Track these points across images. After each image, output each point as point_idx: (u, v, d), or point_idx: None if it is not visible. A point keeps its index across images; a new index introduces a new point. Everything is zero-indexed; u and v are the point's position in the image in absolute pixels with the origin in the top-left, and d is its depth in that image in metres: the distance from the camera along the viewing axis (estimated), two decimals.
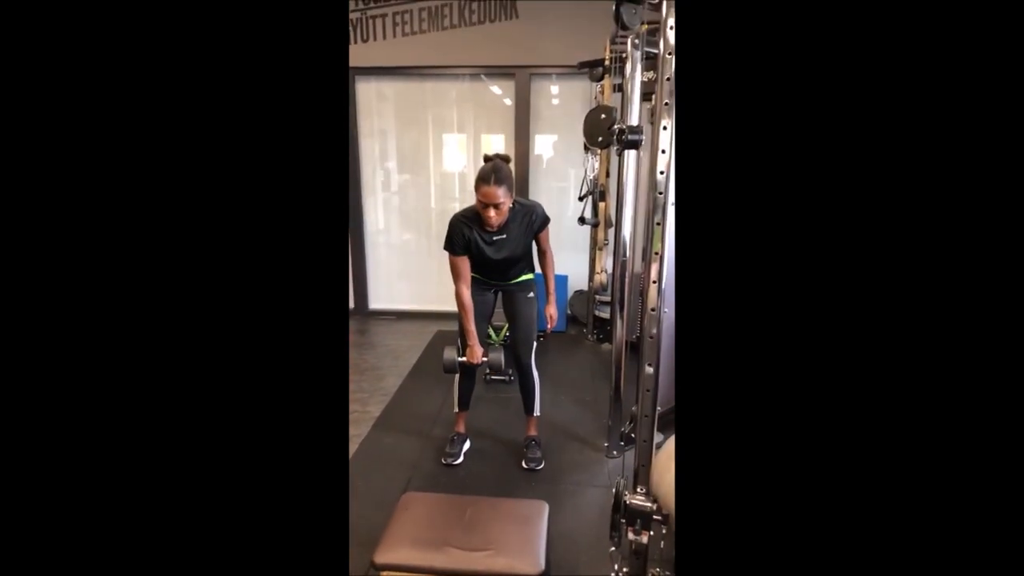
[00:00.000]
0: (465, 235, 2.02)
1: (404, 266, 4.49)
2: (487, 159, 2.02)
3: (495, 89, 4.16)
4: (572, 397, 2.91)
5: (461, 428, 2.39)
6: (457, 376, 2.31)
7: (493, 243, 2.05)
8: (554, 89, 4.11)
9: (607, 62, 2.76)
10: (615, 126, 2.03)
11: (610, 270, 3.41)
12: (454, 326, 3.99)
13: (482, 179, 1.91)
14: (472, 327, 2.09)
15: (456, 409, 2.37)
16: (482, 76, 4.11)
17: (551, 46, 3.82)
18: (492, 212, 1.92)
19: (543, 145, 4.23)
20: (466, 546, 1.53)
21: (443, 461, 2.30)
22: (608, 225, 2.99)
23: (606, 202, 3.00)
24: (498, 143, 4.29)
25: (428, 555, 1.51)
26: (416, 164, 4.36)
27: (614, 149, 2.05)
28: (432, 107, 4.22)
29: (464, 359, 2.12)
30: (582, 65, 3.44)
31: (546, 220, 2.11)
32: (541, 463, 2.27)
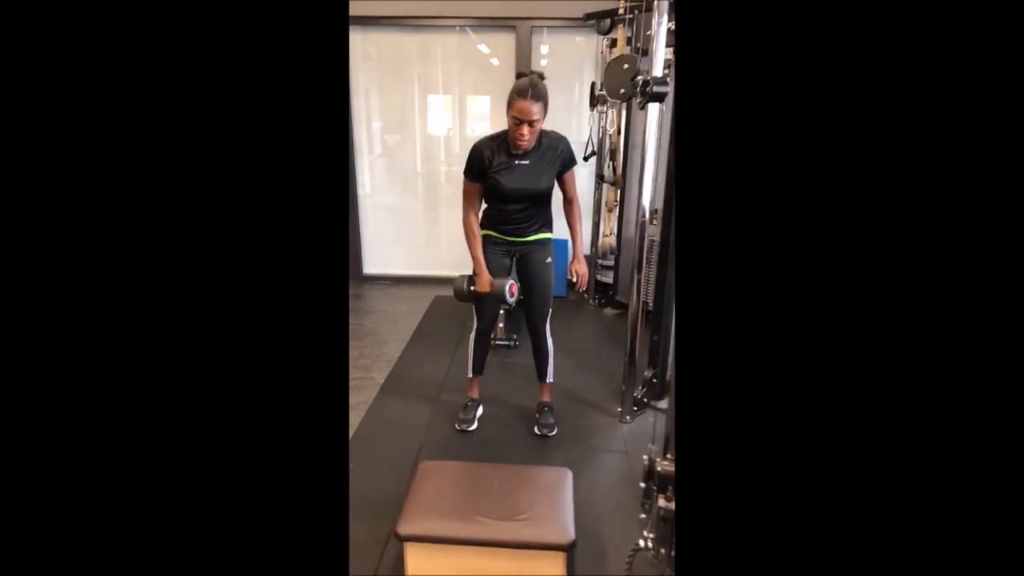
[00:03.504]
0: (485, 157, 1.91)
1: (397, 230, 4.36)
2: (520, 75, 1.87)
3: (482, 47, 3.95)
4: (579, 363, 2.87)
5: (475, 393, 2.33)
6: (472, 339, 2.24)
7: (513, 168, 1.91)
8: (546, 47, 3.92)
9: (621, 10, 2.61)
10: (638, 77, 1.92)
11: (616, 232, 3.33)
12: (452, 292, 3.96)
13: (518, 93, 1.78)
14: (479, 253, 2.01)
15: (470, 374, 2.31)
16: (467, 30, 3.90)
17: None
18: (525, 129, 1.80)
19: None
20: (494, 515, 1.48)
21: (457, 427, 2.25)
22: (616, 185, 2.88)
23: (616, 161, 2.89)
24: (483, 105, 4.11)
25: (455, 525, 1.46)
26: (403, 125, 4.17)
27: (636, 103, 1.93)
28: (419, 64, 4.02)
29: (474, 288, 2.04)
30: (588, 17, 3.28)
31: (573, 158, 1.99)
32: (554, 429, 2.23)
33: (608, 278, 3.57)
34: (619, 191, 3.10)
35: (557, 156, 1.95)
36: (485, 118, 4.13)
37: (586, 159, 3.45)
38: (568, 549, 1.43)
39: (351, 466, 2.02)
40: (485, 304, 2.12)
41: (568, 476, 1.68)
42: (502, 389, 2.56)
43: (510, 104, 1.80)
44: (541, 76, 1.86)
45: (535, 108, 1.77)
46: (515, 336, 3.03)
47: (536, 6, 3.67)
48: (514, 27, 3.77)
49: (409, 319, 3.50)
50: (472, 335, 2.24)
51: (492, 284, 2.03)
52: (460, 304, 3.63)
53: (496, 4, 3.71)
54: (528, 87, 1.77)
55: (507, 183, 1.93)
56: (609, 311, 3.64)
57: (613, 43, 3.27)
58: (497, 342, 3.03)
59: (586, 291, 2.12)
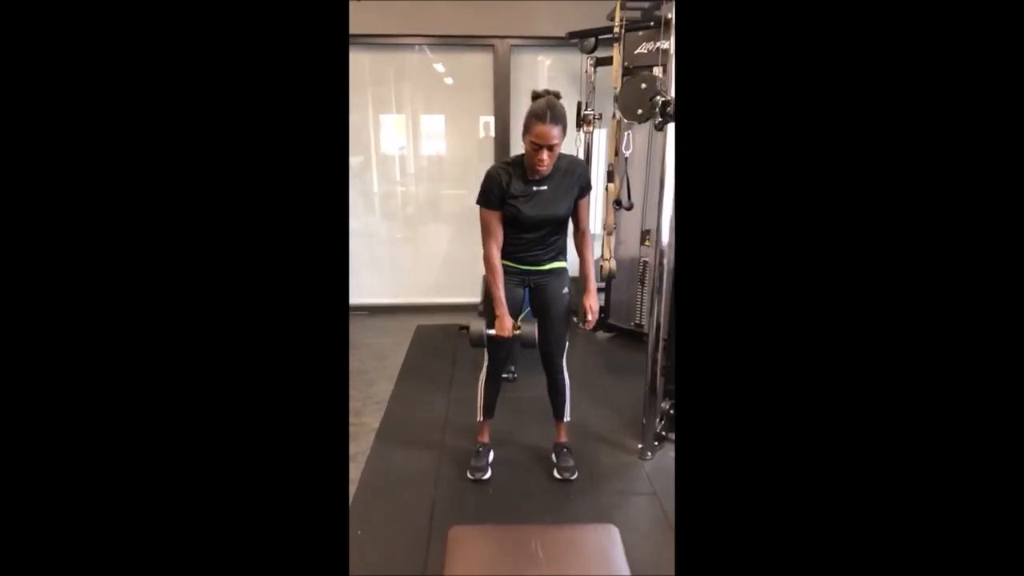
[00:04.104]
0: (503, 183, 1.75)
1: (369, 256, 4.12)
2: (536, 96, 1.73)
3: (437, 67, 3.81)
4: (586, 394, 2.73)
5: (486, 438, 2.15)
6: (483, 381, 2.06)
7: (532, 195, 1.77)
8: (527, 61, 3.83)
9: (617, 29, 2.53)
10: (657, 97, 1.83)
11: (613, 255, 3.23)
12: (434, 320, 3.76)
13: (536, 116, 1.64)
14: (502, 294, 1.84)
15: (480, 417, 2.13)
16: (424, 48, 3.74)
17: (528, 15, 3.54)
18: (545, 155, 1.66)
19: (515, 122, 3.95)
20: None
21: (469, 476, 2.06)
22: (616, 207, 2.79)
23: (615, 182, 2.80)
24: (436, 125, 3.96)
25: None
26: (361, 146, 3.96)
27: (654, 123, 1.83)
28: (373, 84, 3.82)
29: (493, 331, 1.86)
30: (571, 35, 3.20)
31: (590, 183, 1.86)
32: (575, 472, 2.07)
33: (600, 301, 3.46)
34: (619, 212, 3.01)
35: (576, 181, 1.82)
36: (440, 137, 3.98)
37: None
38: None
39: (357, 532, 1.80)
40: (499, 343, 1.96)
41: (615, 535, 1.52)
42: (509, 428, 2.39)
43: (528, 128, 1.67)
44: (558, 96, 1.74)
45: (555, 132, 1.64)
46: (513, 368, 2.86)
47: (514, 25, 3.58)
48: (492, 46, 3.66)
49: (395, 354, 3.27)
50: (483, 376, 2.07)
51: (518, 329, 1.86)
52: (445, 336, 3.47)
53: (472, 22, 3.59)
54: (547, 109, 1.64)
55: (527, 211, 1.78)
56: (602, 334, 3.53)
57: (598, 62, 3.20)
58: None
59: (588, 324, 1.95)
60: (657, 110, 1.82)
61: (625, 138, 2.38)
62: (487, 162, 3.76)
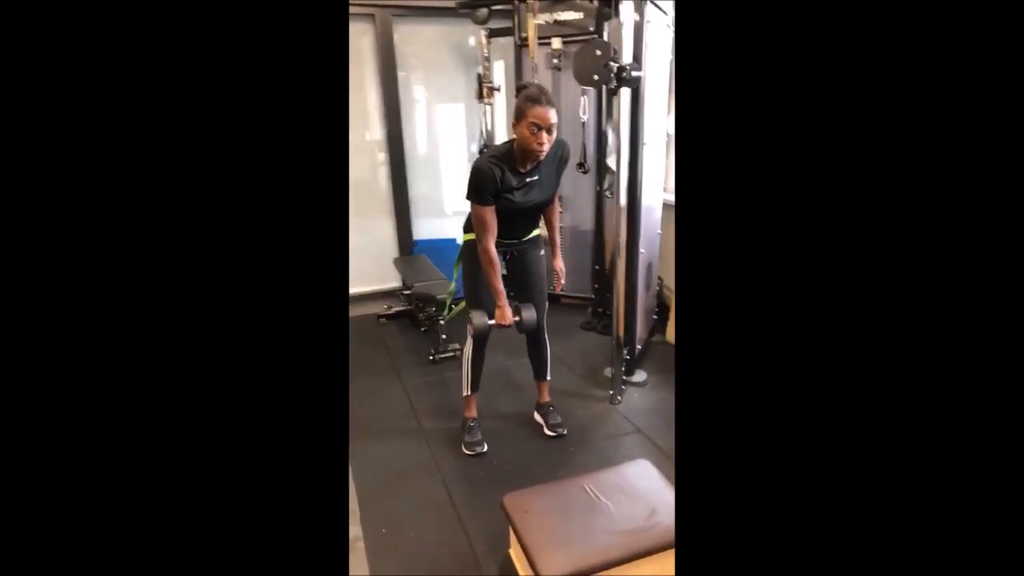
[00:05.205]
0: (496, 179, 1.74)
1: None
2: (520, 87, 1.75)
3: None
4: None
5: (474, 412, 2.16)
6: (469, 355, 2.05)
7: (524, 186, 1.80)
8: (409, 33, 3.69)
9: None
10: (611, 63, 1.94)
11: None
12: (372, 309, 3.53)
13: (532, 100, 1.65)
14: (501, 285, 1.86)
15: (468, 392, 2.12)
16: None
17: None
18: (544, 136, 1.67)
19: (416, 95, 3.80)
20: (625, 527, 1.40)
21: (468, 452, 2.06)
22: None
23: None
24: None
25: (600, 550, 1.35)
26: None
27: (609, 88, 1.95)
28: None
29: (494, 322, 1.88)
30: (462, 5, 3.17)
31: (568, 157, 1.92)
32: (565, 427, 2.17)
33: None
34: None
35: (561, 159, 1.89)
36: None
37: (481, 152, 3.37)
38: None
39: (382, 531, 1.72)
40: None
41: (651, 467, 1.66)
42: (481, 401, 2.40)
43: (523, 114, 1.67)
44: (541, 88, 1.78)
45: (551, 112, 1.67)
46: (457, 346, 2.85)
47: None
48: (372, 16, 3.46)
49: None
50: (469, 351, 2.06)
51: (517, 316, 1.92)
52: (380, 325, 3.30)
53: None
54: (540, 93, 1.68)
55: (521, 202, 1.82)
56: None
57: (491, 33, 3.22)
58: (441, 355, 2.83)
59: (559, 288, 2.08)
60: (612, 75, 1.93)
61: (582, 103, 2.46)
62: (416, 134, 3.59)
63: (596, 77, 1.95)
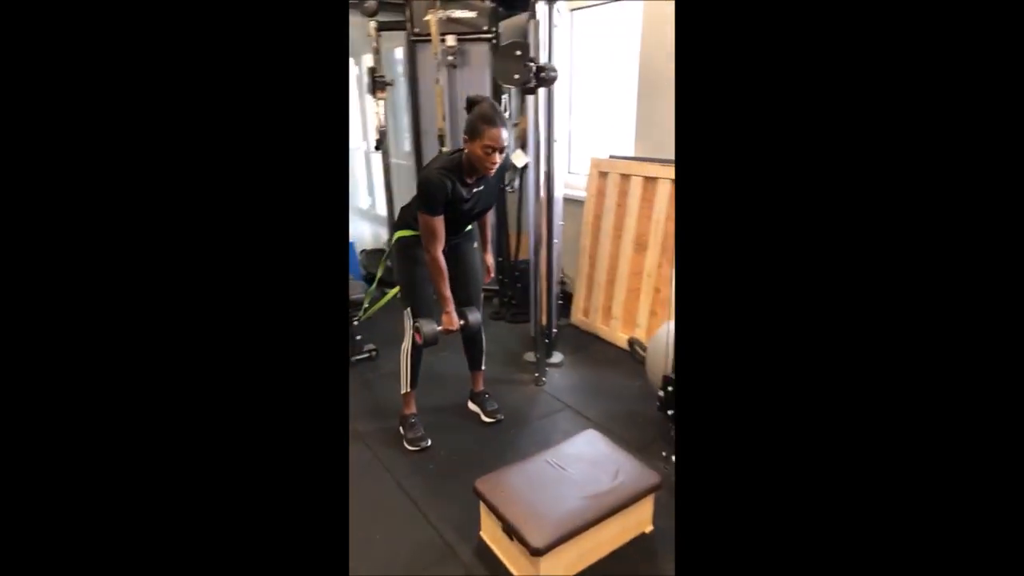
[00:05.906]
0: (448, 190, 1.78)
1: None
2: (472, 102, 1.77)
3: None
4: (456, 351, 2.86)
5: (413, 408, 2.16)
6: (408, 352, 2.05)
7: (472, 196, 1.87)
8: None
9: None
10: (530, 63, 2.05)
11: None
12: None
13: (485, 121, 1.69)
14: (449, 292, 1.89)
15: (407, 389, 2.11)
16: None
17: None
18: (497, 157, 1.74)
19: None
20: (595, 490, 1.54)
21: (412, 448, 2.07)
22: None
23: (447, 146, 2.89)
24: None
25: (578, 514, 1.46)
26: None
27: (528, 86, 2.07)
28: None
29: (442, 328, 1.91)
30: None
31: (507, 162, 2.00)
32: (502, 412, 2.26)
33: None
34: None
35: (503, 168, 1.95)
36: None
37: (378, 148, 3.30)
38: (660, 485, 1.60)
39: (376, 537, 1.67)
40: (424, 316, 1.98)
41: (600, 435, 1.82)
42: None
43: (478, 133, 1.71)
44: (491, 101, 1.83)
45: (505, 134, 1.73)
46: (373, 347, 2.80)
47: None
48: None
49: None
50: (407, 346, 2.05)
51: (463, 321, 1.96)
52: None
53: None
54: (494, 114, 1.73)
55: (468, 210, 1.89)
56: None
57: (381, 26, 3.17)
58: (357, 357, 2.75)
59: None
60: (532, 75, 2.04)
61: (503, 101, 2.51)
62: None
63: (517, 76, 2.05)
